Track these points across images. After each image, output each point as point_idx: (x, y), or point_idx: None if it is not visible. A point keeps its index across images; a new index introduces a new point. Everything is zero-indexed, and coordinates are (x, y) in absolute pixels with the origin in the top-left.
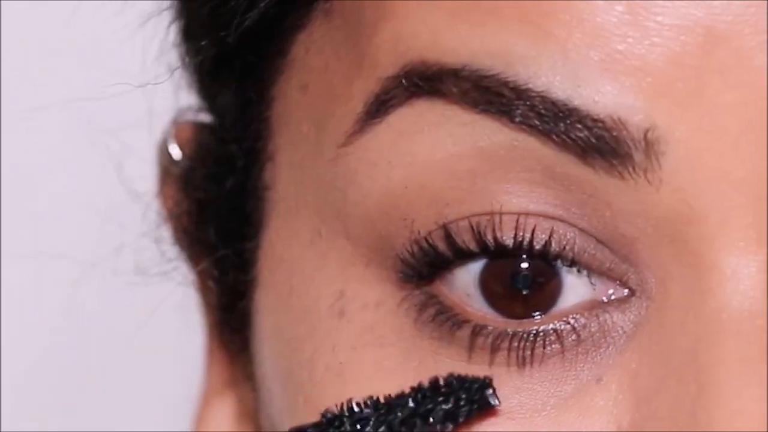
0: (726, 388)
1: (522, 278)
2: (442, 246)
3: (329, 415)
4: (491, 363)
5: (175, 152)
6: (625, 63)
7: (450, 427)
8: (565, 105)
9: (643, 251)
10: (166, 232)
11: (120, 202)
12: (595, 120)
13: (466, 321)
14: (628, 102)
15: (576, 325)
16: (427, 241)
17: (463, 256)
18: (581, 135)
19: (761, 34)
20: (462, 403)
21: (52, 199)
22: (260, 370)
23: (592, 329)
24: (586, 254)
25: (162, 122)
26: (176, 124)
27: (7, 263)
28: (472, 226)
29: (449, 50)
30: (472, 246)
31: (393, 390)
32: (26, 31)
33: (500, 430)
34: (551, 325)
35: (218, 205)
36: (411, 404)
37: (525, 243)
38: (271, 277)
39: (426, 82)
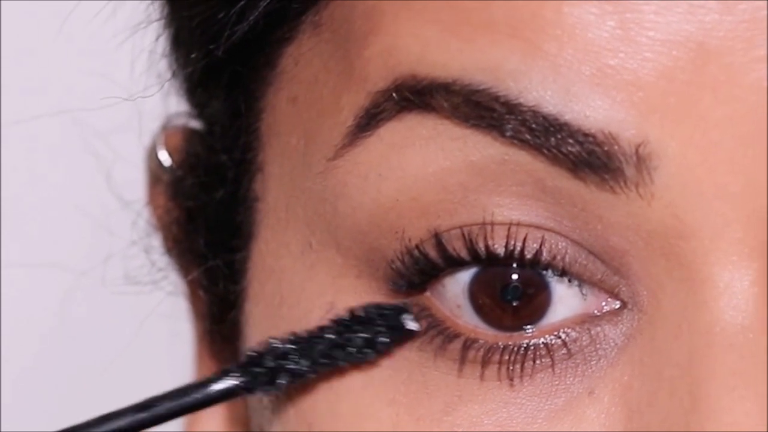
0: (719, 402)
1: (512, 289)
2: (433, 254)
3: (252, 353)
4: (482, 377)
5: (165, 158)
6: (616, 78)
7: (370, 354)
8: (556, 119)
9: (634, 264)
10: (155, 241)
11: (110, 210)
12: (586, 134)
13: (457, 335)
14: (619, 117)
15: (567, 339)
16: (418, 249)
17: (454, 264)
18: (572, 149)
19: (753, 50)
20: (380, 329)
21: (42, 207)
22: None
23: (583, 343)
24: (577, 264)
25: (152, 129)
26: (165, 129)
27: None
28: (463, 235)
29: (440, 65)
30: (463, 254)
31: (383, 406)
32: (16, 39)
33: None
34: (542, 339)
35: (208, 215)
36: (331, 335)
37: (516, 252)
38: (261, 288)
39: (416, 96)
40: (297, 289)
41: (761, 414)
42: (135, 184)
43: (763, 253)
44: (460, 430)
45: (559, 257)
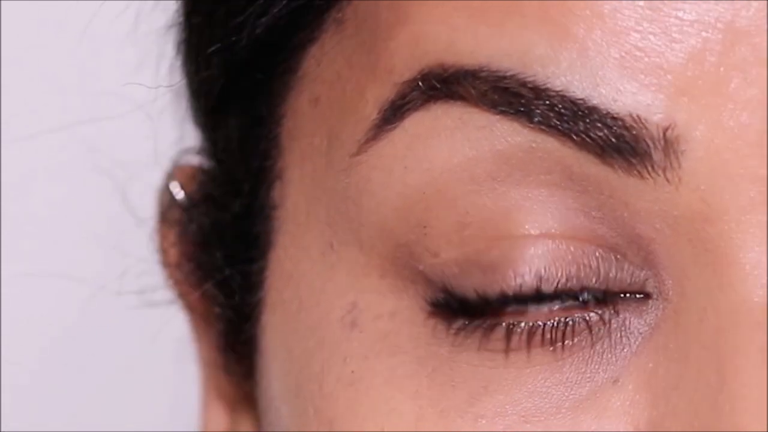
0: (749, 379)
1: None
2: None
3: None
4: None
5: (177, 191)
6: (644, 61)
7: None
8: (585, 104)
9: (660, 252)
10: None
11: (125, 225)
12: (614, 118)
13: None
14: (647, 100)
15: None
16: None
17: None
18: (600, 134)
19: None
20: None
21: (55, 222)
22: (267, 393)
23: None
24: (607, 282)
25: (167, 146)
26: (178, 165)
27: (8, 283)
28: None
29: (467, 52)
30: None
31: (405, 398)
32: (27, 53)
33: None
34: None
35: (223, 232)
36: None
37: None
38: (279, 296)
39: (444, 84)
40: (316, 291)
41: None
42: (150, 200)
43: None
44: (484, 420)
45: (594, 281)
